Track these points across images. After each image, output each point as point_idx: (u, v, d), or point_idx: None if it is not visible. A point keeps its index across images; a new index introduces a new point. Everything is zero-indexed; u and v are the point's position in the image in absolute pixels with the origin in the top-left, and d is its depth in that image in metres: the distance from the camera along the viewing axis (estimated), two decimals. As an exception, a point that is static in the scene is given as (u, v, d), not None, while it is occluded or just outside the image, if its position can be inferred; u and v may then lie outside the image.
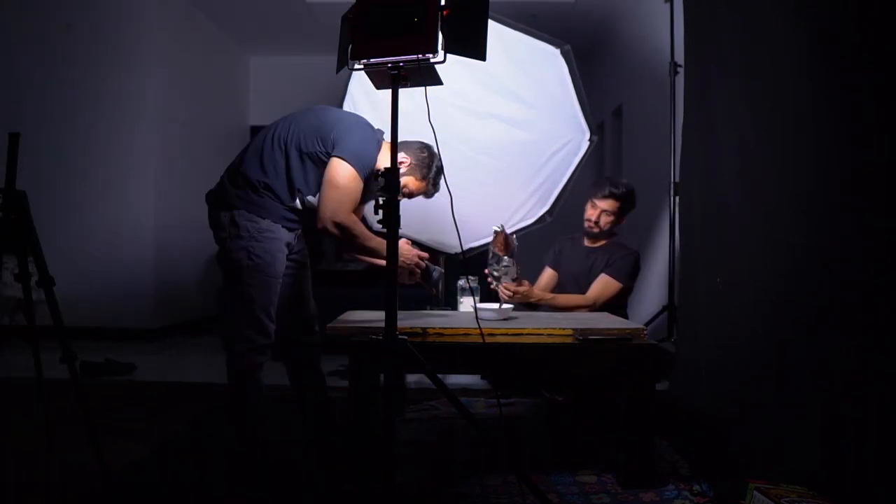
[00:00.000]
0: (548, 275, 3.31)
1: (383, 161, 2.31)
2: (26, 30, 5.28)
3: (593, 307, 2.98)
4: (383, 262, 2.37)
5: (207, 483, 2.17)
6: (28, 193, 2.05)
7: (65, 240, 5.06)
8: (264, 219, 2.22)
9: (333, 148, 2.21)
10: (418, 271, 2.38)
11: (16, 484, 2.15)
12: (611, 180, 3.17)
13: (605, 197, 3.08)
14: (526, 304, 3.01)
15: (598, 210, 3.10)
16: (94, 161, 5.30)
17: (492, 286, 2.89)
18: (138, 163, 5.32)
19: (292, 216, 2.30)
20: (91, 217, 5.29)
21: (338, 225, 2.16)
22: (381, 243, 2.21)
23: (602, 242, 3.16)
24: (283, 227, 2.27)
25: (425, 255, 2.42)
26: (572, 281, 3.18)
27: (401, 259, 2.33)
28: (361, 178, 2.21)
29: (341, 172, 2.18)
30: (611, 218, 3.09)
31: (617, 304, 3.04)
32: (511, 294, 2.81)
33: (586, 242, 3.19)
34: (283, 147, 2.26)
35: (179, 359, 4.77)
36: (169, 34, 5.57)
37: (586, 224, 3.13)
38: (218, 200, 2.27)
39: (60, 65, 5.27)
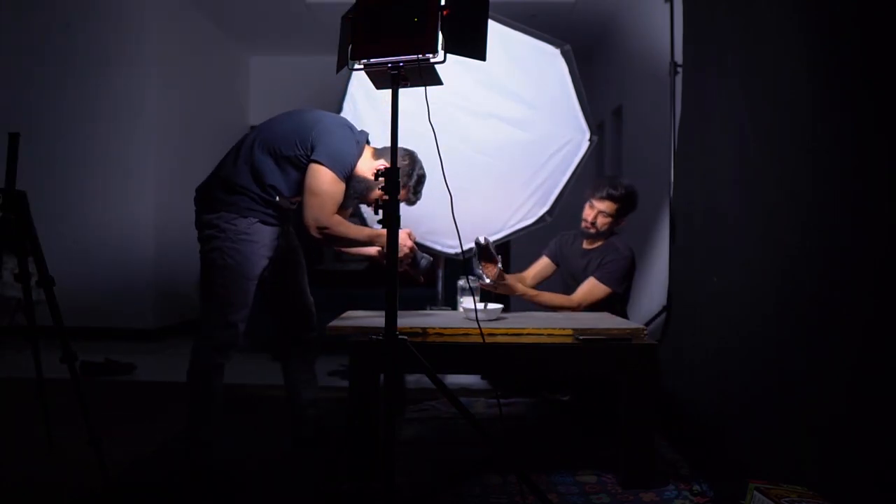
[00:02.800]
0: (541, 263, 3.26)
1: (364, 164, 2.33)
2: (26, 30, 5.28)
3: (577, 309, 2.91)
4: (373, 252, 2.38)
5: (207, 483, 2.17)
6: (28, 193, 2.05)
7: (65, 240, 5.06)
8: (245, 218, 2.23)
9: (312, 151, 2.22)
10: (406, 261, 2.38)
11: (16, 484, 2.15)
12: (611, 181, 3.07)
13: (602, 198, 3.00)
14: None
15: (595, 211, 3.02)
16: (93, 161, 5.30)
17: (480, 282, 2.88)
18: (138, 163, 5.32)
19: (272, 212, 2.30)
20: (91, 217, 5.29)
21: (321, 230, 2.20)
22: (368, 234, 2.29)
23: (599, 243, 3.10)
24: (265, 225, 2.28)
25: (413, 245, 2.42)
26: (568, 279, 3.17)
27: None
28: (341, 179, 2.24)
29: (320, 178, 2.20)
30: (608, 220, 3.01)
31: (615, 308, 2.99)
32: (494, 283, 2.77)
33: (584, 244, 3.15)
34: (262, 150, 2.27)
35: (179, 359, 4.74)
36: (169, 34, 5.57)
37: (583, 224, 3.06)
38: (201, 202, 2.30)
39: (60, 65, 5.27)
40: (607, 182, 3.05)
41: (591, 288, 2.94)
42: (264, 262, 2.30)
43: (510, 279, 2.92)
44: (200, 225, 2.28)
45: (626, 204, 3.03)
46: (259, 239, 2.26)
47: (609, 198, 3.00)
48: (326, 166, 2.20)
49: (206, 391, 2.22)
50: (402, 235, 2.38)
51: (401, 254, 2.34)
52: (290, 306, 2.49)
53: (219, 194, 2.26)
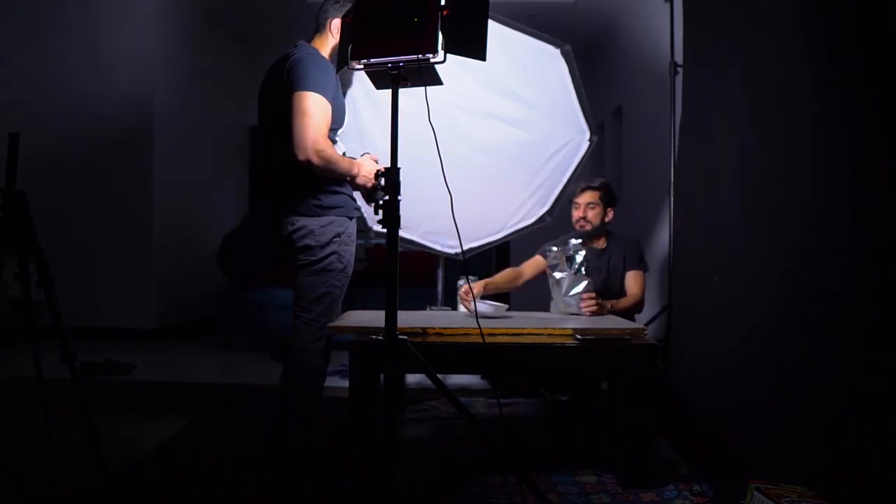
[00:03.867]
0: (535, 262, 3.26)
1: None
2: (27, 29, 5.28)
3: (641, 301, 3.08)
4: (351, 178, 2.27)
5: (207, 483, 2.17)
6: (27, 193, 2.05)
7: (65, 239, 5.06)
8: (351, 220, 2.28)
9: (292, 87, 2.15)
10: (368, 186, 2.30)
11: (16, 484, 2.15)
12: (584, 180, 3.25)
13: (582, 191, 3.15)
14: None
15: (582, 206, 3.12)
16: (93, 161, 5.29)
17: (567, 306, 2.77)
18: (138, 162, 5.31)
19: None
20: (90, 217, 5.29)
21: (320, 153, 2.10)
22: (349, 162, 2.21)
23: (604, 243, 3.15)
24: (355, 221, 2.32)
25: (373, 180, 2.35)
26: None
27: (364, 176, 2.26)
28: (329, 101, 2.15)
29: (309, 101, 2.11)
30: (597, 209, 3.12)
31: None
32: (594, 309, 2.70)
33: (592, 245, 3.18)
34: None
35: (179, 359, 4.77)
36: (169, 34, 5.57)
37: (577, 225, 3.13)
38: (294, 206, 2.22)
39: (61, 65, 5.27)
40: (581, 182, 3.24)
41: (637, 278, 3.13)
42: None
43: (606, 304, 2.84)
44: (304, 231, 2.20)
45: (606, 193, 3.17)
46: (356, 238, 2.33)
47: (588, 189, 3.15)
48: (312, 90, 2.12)
49: (321, 389, 2.26)
50: (369, 160, 2.29)
51: (370, 181, 2.23)
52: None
53: (322, 198, 2.22)
